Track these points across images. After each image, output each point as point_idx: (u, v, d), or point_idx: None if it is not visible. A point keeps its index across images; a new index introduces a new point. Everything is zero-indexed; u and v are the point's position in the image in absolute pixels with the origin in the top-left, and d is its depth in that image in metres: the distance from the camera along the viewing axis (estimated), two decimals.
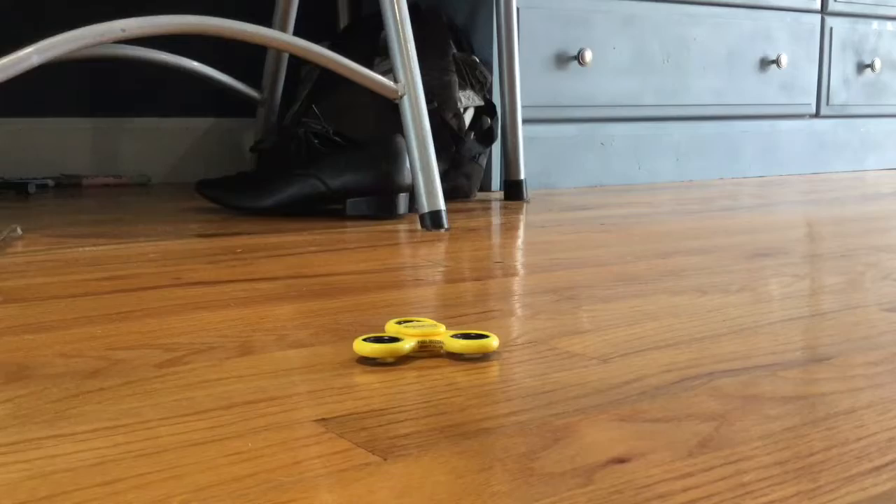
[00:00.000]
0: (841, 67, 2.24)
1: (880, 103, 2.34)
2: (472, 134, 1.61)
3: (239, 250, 1.06)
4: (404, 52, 1.26)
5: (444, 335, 0.64)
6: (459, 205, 1.54)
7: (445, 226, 1.25)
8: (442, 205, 1.25)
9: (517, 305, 0.81)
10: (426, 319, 0.69)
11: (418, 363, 0.62)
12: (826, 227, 1.36)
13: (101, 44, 1.11)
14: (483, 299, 0.83)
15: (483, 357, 0.63)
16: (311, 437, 0.48)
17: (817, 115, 2.23)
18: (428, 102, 1.30)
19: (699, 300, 0.82)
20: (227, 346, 0.65)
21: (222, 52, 1.76)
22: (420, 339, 0.64)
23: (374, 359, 0.62)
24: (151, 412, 0.52)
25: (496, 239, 1.22)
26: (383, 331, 0.67)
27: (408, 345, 0.62)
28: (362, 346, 0.62)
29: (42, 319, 0.73)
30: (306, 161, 1.35)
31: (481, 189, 1.71)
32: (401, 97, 1.26)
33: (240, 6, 1.80)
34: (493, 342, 0.63)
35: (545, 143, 1.81)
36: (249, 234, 1.18)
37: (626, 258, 1.04)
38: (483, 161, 1.65)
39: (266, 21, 1.59)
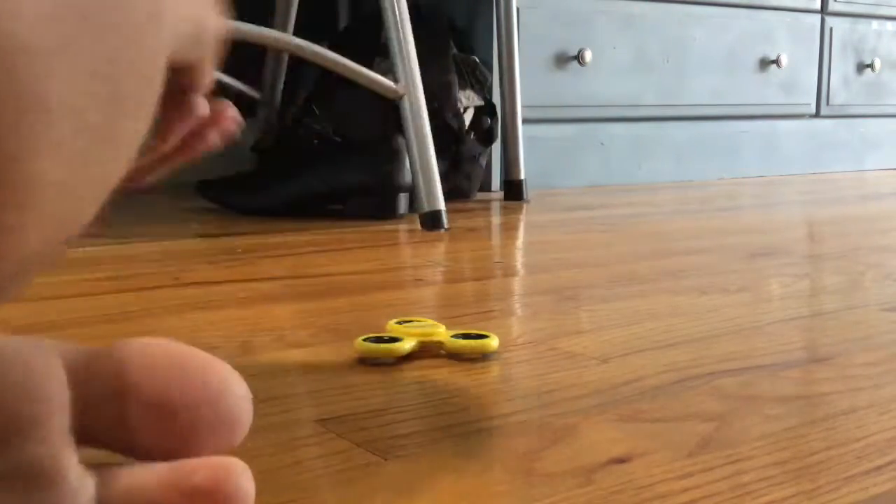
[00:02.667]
0: (841, 67, 2.24)
1: (880, 103, 2.34)
2: (472, 134, 1.61)
3: (239, 250, 1.06)
4: (404, 52, 1.26)
5: (443, 335, 0.64)
6: (459, 205, 1.54)
7: (445, 226, 1.24)
8: (442, 205, 1.25)
9: (517, 305, 0.81)
10: (426, 319, 0.69)
11: (418, 363, 0.62)
12: (826, 227, 1.36)
13: None
14: (483, 299, 0.83)
15: (483, 357, 0.63)
16: (311, 437, 0.48)
17: (817, 115, 2.23)
18: (428, 102, 1.30)
19: (699, 300, 0.82)
20: (227, 346, 0.65)
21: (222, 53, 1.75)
22: (420, 339, 0.64)
23: (374, 359, 0.62)
24: None
25: (496, 239, 1.22)
26: (383, 331, 0.67)
27: (408, 345, 0.62)
28: (362, 346, 0.62)
29: (41, 320, 0.73)
30: (306, 161, 1.35)
31: (481, 189, 1.71)
32: (401, 97, 1.26)
33: (240, 6, 1.79)
34: (493, 342, 0.63)
35: (545, 143, 1.81)
36: (249, 234, 1.18)
37: (626, 258, 1.04)
38: (483, 161, 1.65)
39: (266, 21, 1.59)
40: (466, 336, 0.64)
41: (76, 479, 0.26)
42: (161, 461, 0.27)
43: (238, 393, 0.28)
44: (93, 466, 0.26)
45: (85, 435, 0.27)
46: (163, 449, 0.27)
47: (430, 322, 0.68)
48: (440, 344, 0.64)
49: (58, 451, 0.26)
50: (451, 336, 0.64)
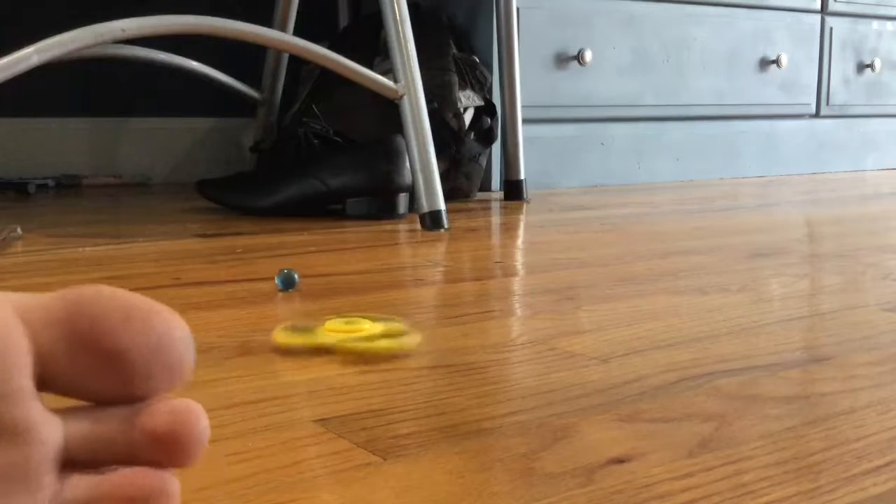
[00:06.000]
0: (841, 67, 2.24)
1: (880, 103, 2.34)
2: (472, 134, 1.61)
3: (239, 250, 1.06)
4: (404, 52, 1.26)
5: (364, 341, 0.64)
6: (459, 205, 1.54)
7: (445, 226, 1.24)
8: (442, 205, 1.25)
9: (517, 305, 0.81)
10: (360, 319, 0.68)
11: (417, 363, 0.62)
12: (826, 227, 1.36)
13: (101, 44, 1.11)
14: (483, 299, 0.83)
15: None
16: (311, 437, 0.48)
17: (817, 115, 2.23)
18: (428, 102, 1.30)
19: (699, 300, 0.82)
20: (227, 346, 0.65)
21: (222, 52, 1.76)
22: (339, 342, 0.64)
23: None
24: None
25: (496, 239, 1.22)
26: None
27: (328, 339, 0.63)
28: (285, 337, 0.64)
29: None
30: (306, 161, 1.35)
31: (481, 189, 1.71)
32: (401, 97, 1.26)
33: (240, 6, 1.80)
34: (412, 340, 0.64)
35: (545, 143, 1.81)
36: (249, 234, 1.18)
37: (626, 258, 1.04)
38: (483, 161, 1.65)
39: (266, 21, 1.59)
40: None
41: (44, 430, 0.27)
42: (119, 405, 0.28)
43: (179, 336, 0.29)
44: (56, 411, 0.28)
45: (43, 383, 0.28)
46: (116, 393, 0.28)
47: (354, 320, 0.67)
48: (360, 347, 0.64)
49: (24, 404, 0.26)
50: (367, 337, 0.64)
